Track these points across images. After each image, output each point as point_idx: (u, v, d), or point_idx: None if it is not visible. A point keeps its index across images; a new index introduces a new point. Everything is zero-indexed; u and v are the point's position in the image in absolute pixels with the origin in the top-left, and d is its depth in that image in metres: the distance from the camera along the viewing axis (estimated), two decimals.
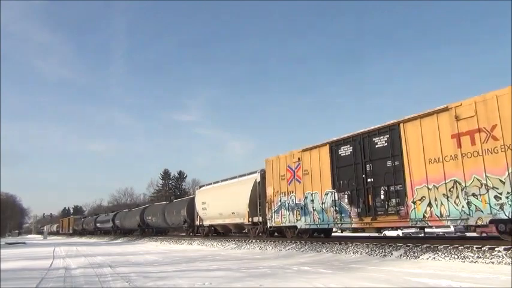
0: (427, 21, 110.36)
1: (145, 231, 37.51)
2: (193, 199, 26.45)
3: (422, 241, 11.75)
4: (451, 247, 10.16)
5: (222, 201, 21.79)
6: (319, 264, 10.28)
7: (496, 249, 9.19)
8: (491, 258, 8.79)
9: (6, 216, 72.06)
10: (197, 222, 25.26)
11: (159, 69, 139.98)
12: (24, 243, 37.23)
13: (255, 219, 18.85)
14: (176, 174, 78.90)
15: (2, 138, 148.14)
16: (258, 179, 18.87)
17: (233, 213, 20.52)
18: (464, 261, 9.13)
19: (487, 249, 9.35)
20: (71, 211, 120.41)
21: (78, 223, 63.47)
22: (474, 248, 9.63)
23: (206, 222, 24.22)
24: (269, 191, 17.49)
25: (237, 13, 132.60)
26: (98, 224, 51.56)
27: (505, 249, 9.00)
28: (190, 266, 11.02)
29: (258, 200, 18.58)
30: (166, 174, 78.56)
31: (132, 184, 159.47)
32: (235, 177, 21.89)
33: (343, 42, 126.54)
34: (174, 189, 76.63)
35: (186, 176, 78.96)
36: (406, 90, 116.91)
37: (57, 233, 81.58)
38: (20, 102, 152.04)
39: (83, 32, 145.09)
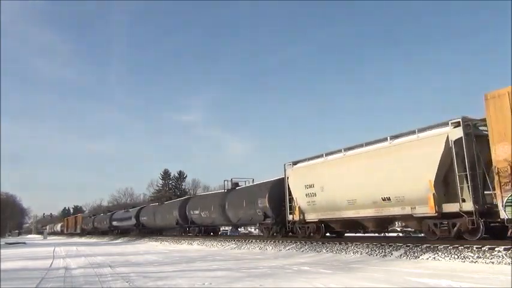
0: (427, 22, 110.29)
1: (188, 229, 29.94)
2: (279, 183, 18.27)
3: (422, 241, 11.74)
4: (451, 247, 10.16)
5: (357, 179, 13.70)
6: (319, 264, 10.29)
7: (496, 249, 9.20)
8: (491, 258, 8.81)
9: (6, 216, 71.84)
10: (291, 217, 16.98)
11: (159, 69, 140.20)
12: (24, 243, 37.25)
13: (450, 208, 11.07)
14: (176, 174, 78.85)
15: (2, 138, 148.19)
16: (454, 137, 11.03)
17: (386, 198, 12.62)
18: (464, 261, 9.15)
19: (487, 249, 9.36)
20: (71, 211, 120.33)
21: (88, 222, 58.15)
22: (474, 248, 9.63)
23: (311, 216, 16.08)
24: (503, 151, 9.91)
25: (237, 13, 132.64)
26: (114, 222, 44.92)
27: (505, 249, 9.01)
28: (191, 266, 11.04)
29: (457, 173, 10.89)
30: (166, 174, 78.44)
31: (132, 184, 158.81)
32: (384, 140, 13.35)
33: (344, 42, 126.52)
34: (174, 189, 76.51)
35: (186, 176, 78.90)
36: (407, 91, 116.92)
37: (61, 233, 79.07)
38: (20, 102, 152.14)
39: (83, 32, 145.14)
